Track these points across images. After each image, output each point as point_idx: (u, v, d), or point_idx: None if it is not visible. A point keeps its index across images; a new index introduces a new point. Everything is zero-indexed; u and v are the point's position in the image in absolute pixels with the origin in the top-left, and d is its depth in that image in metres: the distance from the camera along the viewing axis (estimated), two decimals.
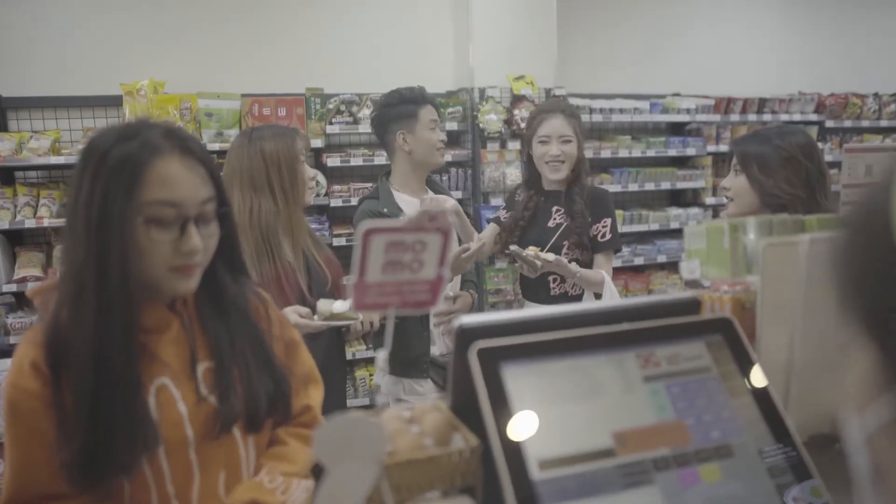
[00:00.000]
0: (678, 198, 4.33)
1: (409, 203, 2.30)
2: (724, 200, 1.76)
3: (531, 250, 2.12)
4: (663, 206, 4.27)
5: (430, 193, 2.42)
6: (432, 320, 2.32)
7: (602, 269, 2.25)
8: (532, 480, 0.70)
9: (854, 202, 0.47)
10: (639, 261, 3.98)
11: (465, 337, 0.80)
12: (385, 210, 2.24)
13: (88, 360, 0.95)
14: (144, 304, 1.03)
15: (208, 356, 1.08)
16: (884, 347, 0.43)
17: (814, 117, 4.36)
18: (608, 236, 2.28)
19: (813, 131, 4.32)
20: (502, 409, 0.74)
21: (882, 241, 0.41)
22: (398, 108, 2.30)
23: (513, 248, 2.13)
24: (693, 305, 0.94)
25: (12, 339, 3.01)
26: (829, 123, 4.39)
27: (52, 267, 3.04)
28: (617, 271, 2.45)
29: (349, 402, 3.23)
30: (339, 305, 1.80)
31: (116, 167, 0.95)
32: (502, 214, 2.44)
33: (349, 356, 3.21)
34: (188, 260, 1.01)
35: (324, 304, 1.82)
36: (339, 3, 3.63)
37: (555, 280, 2.28)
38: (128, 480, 1.00)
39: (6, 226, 2.95)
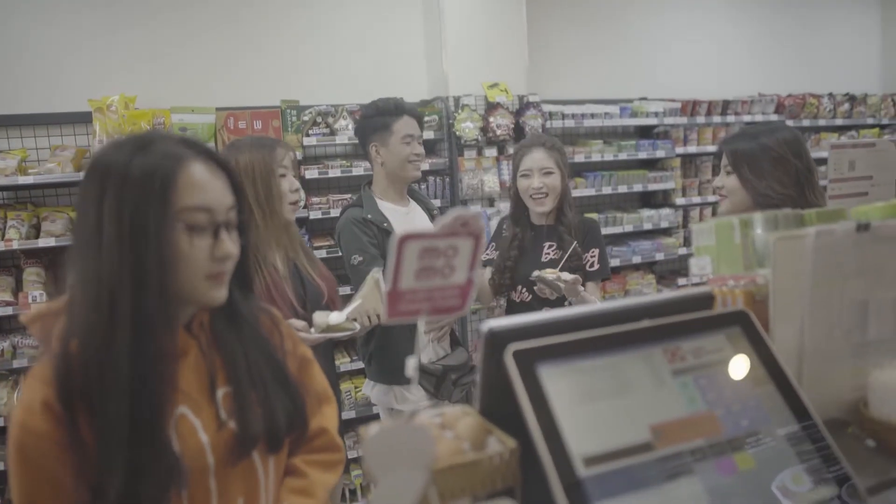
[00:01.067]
0: (649, 199, 4.43)
1: (392, 210, 2.32)
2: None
3: (550, 272, 2.17)
4: (636, 207, 4.36)
5: (412, 203, 2.44)
6: (421, 327, 2.32)
7: (593, 297, 2.31)
8: (579, 478, 0.71)
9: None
10: (614, 262, 4.05)
11: (495, 341, 0.81)
12: (369, 216, 2.25)
13: (119, 389, 0.90)
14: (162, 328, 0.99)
15: (226, 381, 1.06)
16: None
17: (774, 118, 4.51)
18: (596, 266, 2.36)
19: None
20: (543, 409, 0.75)
21: None
22: (374, 120, 2.32)
23: (536, 273, 2.18)
24: (707, 300, 0.97)
25: (15, 364, 2.92)
26: (789, 123, 4.55)
27: (22, 291, 2.94)
28: None
29: None
30: (335, 317, 1.80)
31: (145, 178, 0.93)
32: (491, 252, 2.48)
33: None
34: (221, 266, 1.00)
35: (320, 317, 1.82)
36: (313, 15, 3.62)
37: (544, 305, 2.32)
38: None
39: None
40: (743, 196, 1.67)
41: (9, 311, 2.89)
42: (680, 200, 4.23)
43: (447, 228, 0.78)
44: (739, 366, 0.87)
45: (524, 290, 2.35)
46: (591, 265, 2.35)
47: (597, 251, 2.36)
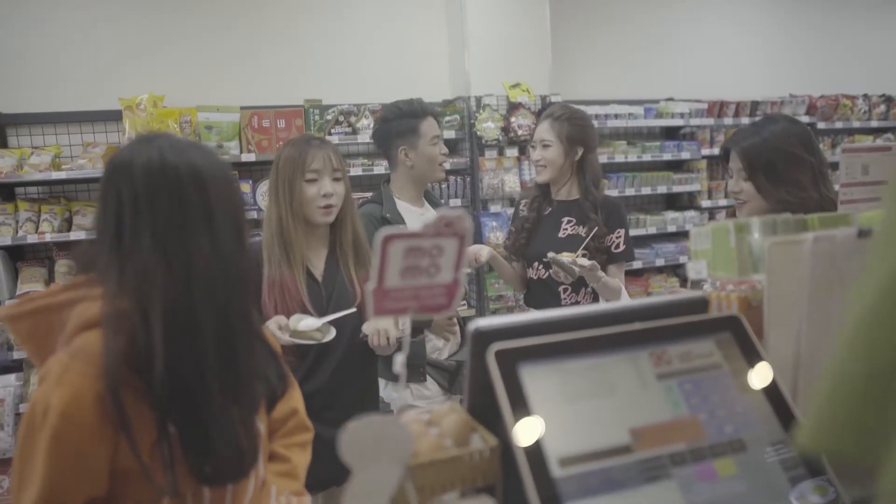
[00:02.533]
0: (674, 201, 4.37)
1: (408, 210, 2.32)
2: (721, 203, 1.76)
3: (567, 256, 2.11)
4: (660, 209, 4.31)
5: (427, 206, 2.43)
6: (407, 326, 2.33)
7: (617, 280, 2.25)
8: (553, 478, 0.72)
9: None
10: (637, 264, 4.01)
11: (481, 339, 0.82)
12: (388, 216, 2.24)
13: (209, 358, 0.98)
14: None
15: None
16: None
17: (805, 119, 4.41)
18: (622, 247, 2.28)
19: None
20: (521, 409, 0.76)
21: None
22: (399, 123, 2.28)
23: (550, 255, 2.13)
24: (701, 305, 0.96)
25: (15, 355, 3.01)
26: (821, 125, 4.44)
27: (54, 282, 3.05)
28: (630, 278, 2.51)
29: None
30: (306, 323, 1.73)
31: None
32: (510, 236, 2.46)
33: None
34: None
35: (294, 319, 1.75)
36: (335, 16, 3.66)
37: (565, 290, 2.28)
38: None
39: (8, 241, 2.96)
40: (762, 201, 1.60)
41: None
42: (706, 203, 4.17)
43: (431, 228, 0.80)
44: (726, 371, 0.86)
45: (540, 266, 2.29)
46: (617, 246, 2.27)
47: (622, 231, 2.28)
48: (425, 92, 3.59)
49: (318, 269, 1.88)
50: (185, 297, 0.98)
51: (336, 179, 1.85)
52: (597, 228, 2.21)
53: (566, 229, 2.29)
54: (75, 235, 3.01)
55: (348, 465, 0.70)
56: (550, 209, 2.34)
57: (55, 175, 2.97)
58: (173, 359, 0.96)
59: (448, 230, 0.81)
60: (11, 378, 3.00)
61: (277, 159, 1.87)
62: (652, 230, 4.03)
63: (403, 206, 2.32)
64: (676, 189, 4.08)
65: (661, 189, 4.03)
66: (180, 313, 0.97)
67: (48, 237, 2.99)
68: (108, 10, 3.31)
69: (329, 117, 3.33)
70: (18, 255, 3.17)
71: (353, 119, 3.37)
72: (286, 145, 1.89)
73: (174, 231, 0.99)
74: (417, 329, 2.21)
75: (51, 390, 0.93)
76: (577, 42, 4.18)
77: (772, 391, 0.86)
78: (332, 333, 1.77)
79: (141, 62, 3.34)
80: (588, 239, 2.19)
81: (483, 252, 2.26)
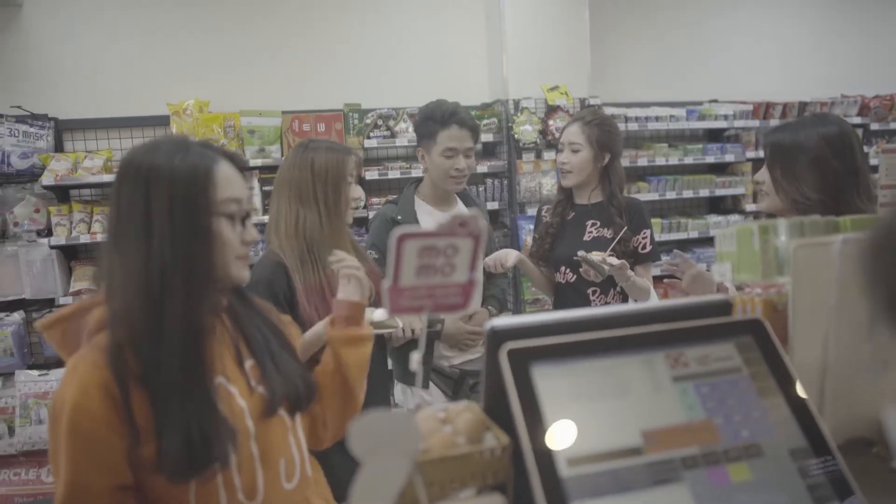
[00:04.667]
0: (717, 205, 4.27)
1: (429, 213, 2.29)
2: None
3: (597, 255, 2.11)
4: (702, 213, 4.22)
5: (458, 208, 2.38)
6: (424, 324, 2.32)
7: (645, 280, 2.23)
8: (561, 477, 0.72)
9: (884, 215, 0.48)
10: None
11: (496, 339, 0.82)
12: (399, 217, 2.23)
13: (172, 363, 1.01)
14: None
15: (249, 353, 1.17)
16: None
17: (857, 120, 4.26)
18: (648, 248, 2.28)
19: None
20: (531, 408, 0.76)
21: None
22: (423, 125, 2.27)
23: (580, 253, 2.12)
24: (724, 307, 0.94)
25: None
26: (874, 126, 4.28)
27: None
28: (656, 280, 2.44)
29: None
30: (380, 314, 1.80)
31: (190, 176, 1.06)
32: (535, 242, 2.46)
33: None
34: (247, 250, 1.15)
35: (367, 313, 1.86)
36: (374, 21, 3.72)
37: (594, 292, 2.27)
38: (226, 467, 1.05)
39: (63, 241, 3.10)
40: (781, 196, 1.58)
41: None
42: (750, 207, 4.05)
43: (446, 228, 0.81)
44: (746, 376, 0.85)
45: (567, 270, 2.28)
46: (643, 247, 2.26)
47: (648, 232, 2.27)
48: (464, 95, 3.61)
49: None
50: (138, 303, 1.02)
51: (356, 183, 1.95)
52: (624, 230, 2.20)
53: (591, 232, 2.28)
54: None
55: (357, 457, 0.72)
56: (574, 213, 2.33)
57: (106, 178, 3.10)
58: (149, 353, 1.02)
59: (462, 230, 0.82)
60: (62, 373, 3.14)
61: (310, 164, 1.87)
62: (693, 234, 3.95)
63: (425, 209, 2.30)
64: (720, 192, 3.99)
65: (704, 192, 3.94)
66: (137, 318, 1.02)
67: (100, 237, 3.12)
68: (156, 22, 3.44)
69: (368, 121, 3.38)
70: (72, 254, 3.32)
71: (391, 123, 3.42)
72: (318, 152, 1.89)
73: (129, 231, 1.04)
74: (429, 339, 2.20)
75: (65, 385, 1.01)
76: (616, 43, 4.13)
77: (793, 397, 0.84)
78: (399, 322, 1.88)
79: (187, 69, 3.46)
80: (616, 239, 2.18)
81: (510, 256, 2.24)
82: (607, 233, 2.25)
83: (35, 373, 3.12)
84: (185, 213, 1.04)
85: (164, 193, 1.03)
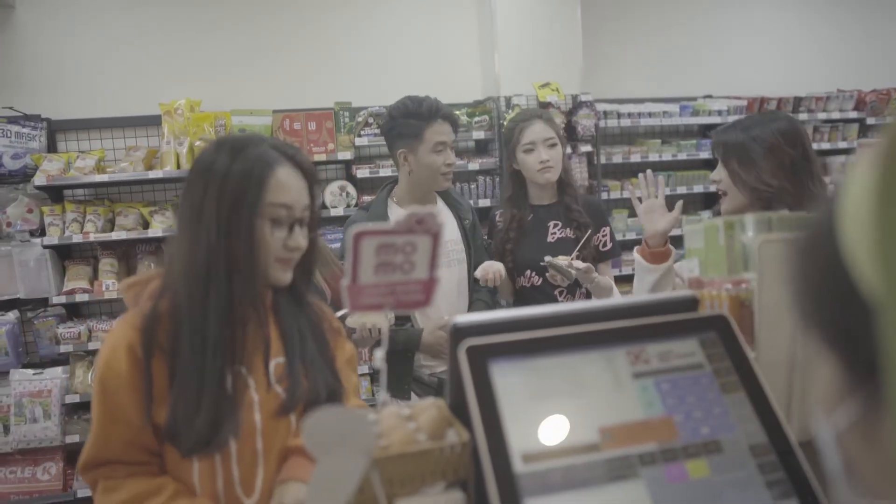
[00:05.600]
0: (712, 201, 4.25)
1: None
2: None
3: (563, 259, 2.11)
4: (696, 209, 4.21)
5: (438, 208, 2.23)
6: (385, 327, 2.26)
7: (608, 278, 2.24)
8: (515, 473, 0.72)
9: (809, 219, 0.48)
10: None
11: (458, 335, 0.83)
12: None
13: (202, 343, 1.08)
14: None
15: (281, 352, 1.19)
16: (842, 360, 0.45)
17: (853, 115, 4.24)
18: (609, 245, 2.29)
19: (854, 129, 4.20)
20: (488, 405, 0.76)
21: (834, 266, 0.43)
22: (403, 124, 2.10)
23: (547, 258, 2.11)
24: (690, 303, 0.94)
25: (62, 349, 3.16)
26: (871, 121, 4.26)
27: (98, 279, 3.19)
28: (616, 279, 2.45)
29: None
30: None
31: (242, 179, 1.12)
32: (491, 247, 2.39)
33: None
34: (291, 254, 1.18)
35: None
36: (365, 18, 3.71)
37: (561, 293, 2.25)
38: (219, 453, 1.10)
39: (56, 241, 3.11)
40: (739, 192, 1.57)
41: (86, 297, 3.14)
42: None
43: (402, 226, 0.81)
44: (708, 372, 0.84)
45: (533, 273, 2.25)
46: (604, 245, 2.28)
47: (607, 229, 2.29)
48: (455, 92, 3.62)
49: None
50: (184, 283, 1.12)
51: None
52: (589, 232, 2.19)
53: (554, 233, 2.26)
54: (117, 235, 3.15)
55: (312, 455, 0.72)
56: (532, 215, 2.29)
57: (99, 178, 3.11)
58: (182, 326, 1.10)
59: (420, 227, 0.82)
60: (58, 370, 3.16)
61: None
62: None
63: (399, 213, 2.15)
64: (714, 188, 3.97)
65: (698, 188, 3.93)
66: (180, 296, 1.12)
67: (92, 237, 3.13)
68: (148, 22, 3.45)
69: (359, 119, 3.38)
70: (66, 253, 3.33)
71: (381, 120, 3.41)
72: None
73: (186, 218, 1.14)
74: (408, 350, 2.15)
75: (104, 342, 1.14)
76: (609, 39, 4.11)
77: (756, 393, 0.84)
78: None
79: (179, 69, 3.46)
80: (583, 242, 2.17)
81: (501, 267, 2.15)
82: (570, 233, 2.24)
83: (30, 371, 3.15)
84: (231, 211, 1.11)
85: (217, 189, 1.11)
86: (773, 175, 1.49)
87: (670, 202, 1.77)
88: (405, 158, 2.12)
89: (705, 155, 3.94)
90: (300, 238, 1.18)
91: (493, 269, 2.11)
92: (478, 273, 2.14)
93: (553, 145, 2.22)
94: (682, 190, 3.89)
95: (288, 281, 1.20)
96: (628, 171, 3.88)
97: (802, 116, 4.10)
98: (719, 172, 1.63)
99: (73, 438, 3.11)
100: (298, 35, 3.62)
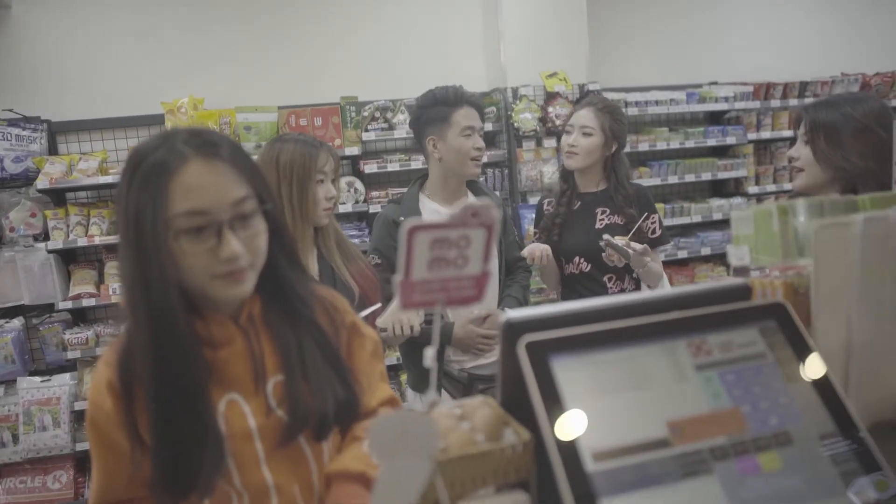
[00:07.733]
0: (720, 188, 4.24)
1: (436, 212, 2.17)
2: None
3: (621, 239, 2.12)
4: (705, 197, 4.19)
5: (472, 198, 2.27)
6: (437, 319, 2.25)
7: (658, 264, 2.22)
8: (587, 473, 0.69)
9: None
10: (682, 254, 3.91)
11: (512, 332, 0.80)
12: (402, 219, 2.10)
13: (150, 377, 0.96)
14: (209, 317, 1.03)
15: (279, 369, 1.05)
16: None
17: None
18: (658, 232, 2.29)
19: None
20: (553, 402, 0.74)
21: None
22: (431, 111, 2.14)
23: (606, 237, 2.12)
24: (743, 292, 0.92)
25: (69, 355, 3.12)
26: None
27: (104, 283, 3.15)
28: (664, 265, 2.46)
29: None
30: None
31: (144, 179, 0.94)
32: (537, 235, 2.41)
33: None
34: (232, 266, 0.96)
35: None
36: (369, 11, 3.68)
37: (611, 279, 2.26)
38: (208, 497, 0.99)
39: (60, 245, 3.07)
40: (819, 170, 1.53)
41: (92, 302, 3.11)
42: (753, 189, 4.03)
43: (458, 219, 0.78)
44: (771, 361, 0.82)
45: (582, 259, 2.26)
46: (653, 231, 2.27)
47: (656, 216, 2.29)
48: (462, 84, 3.56)
49: (314, 272, 1.82)
50: (129, 315, 1.00)
51: (334, 181, 1.84)
52: (644, 217, 2.21)
53: (602, 220, 2.27)
54: None
55: (376, 460, 0.69)
56: (580, 202, 2.30)
57: (102, 179, 3.07)
58: (139, 363, 0.99)
59: (475, 220, 0.79)
60: (66, 377, 3.12)
61: (274, 159, 1.78)
62: (697, 218, 3.92)
63: (431, 207, 2.19)
64: (722, 175, 3.96)
65: (706, 176, 3.91)
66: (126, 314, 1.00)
67: (97, 240, 3.09)
68: (147, 20, 3.40)
69: (365, 113, 3.34)
70: (70, 257, 3.29)
71: (389, 115, 3.38)
72: (286, 146, 1.79)
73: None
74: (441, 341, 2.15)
75: (90, 385, 1.08)
76: (614, 27, 4.08)
77: (821, 381, 0.82)
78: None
79: (181, 67, 3.42)
80: (636, 227, 2.19)
81: (548, 250, 2.18)
82: (618, 220, 2.24)
83: (37, 379, 3.11)
84: (137, 238, 0.93)
85: (122, 218, 0.97)
86: (860, 156, 1.46)
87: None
88: (434, 145, 2.15)
89: (713, 142, 3.92)
90: (232, 244, 0.94)
91: (539, 248, 2.17)
92: (524, 252, 2.19)
93: (588, 134, 2.21)
94: (689, 178, 3.88)
95: (245, 294, 1.00)
96: (636, 160, 3.85)
97: (808, 101, 4.08)
98: (798, 149, 1.60)
99: (83, 446, 3.09)
100: (302, 29, 3.58)
